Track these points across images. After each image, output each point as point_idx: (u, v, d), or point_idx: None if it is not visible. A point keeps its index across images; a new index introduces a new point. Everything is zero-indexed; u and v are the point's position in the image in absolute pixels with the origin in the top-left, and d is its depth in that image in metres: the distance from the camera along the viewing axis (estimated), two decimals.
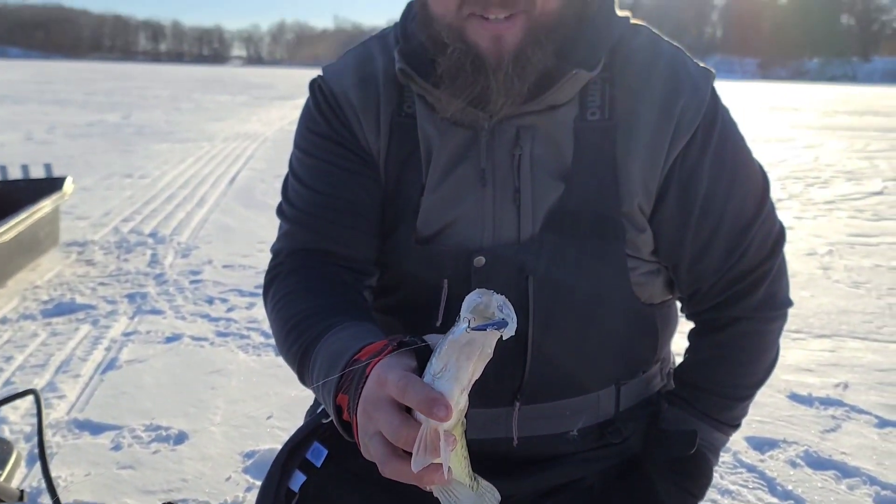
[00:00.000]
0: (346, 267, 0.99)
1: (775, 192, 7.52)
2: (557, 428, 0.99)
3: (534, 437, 0.99)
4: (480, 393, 0.97)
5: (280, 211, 1.05)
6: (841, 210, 6.62)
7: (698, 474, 1.04)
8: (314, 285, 0.95)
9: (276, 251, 1.04)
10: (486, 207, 0.94)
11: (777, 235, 1.00)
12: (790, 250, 4.94)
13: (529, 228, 0.93)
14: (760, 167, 1.00)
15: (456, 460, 0.62)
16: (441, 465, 0.58)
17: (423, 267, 0.96)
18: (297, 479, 1.00)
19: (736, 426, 1.07)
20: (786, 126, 16.22)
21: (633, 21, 0.96)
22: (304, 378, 0.89)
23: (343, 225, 0.98)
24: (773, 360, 1.06)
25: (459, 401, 0.60)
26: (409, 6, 1.00)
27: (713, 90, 0.94)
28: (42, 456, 1.03)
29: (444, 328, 0.96)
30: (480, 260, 0.93)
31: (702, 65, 0.96)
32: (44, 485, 2.00)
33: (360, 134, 0.99)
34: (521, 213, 0.93)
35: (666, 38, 0.98)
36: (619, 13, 0.95)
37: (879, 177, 8.71)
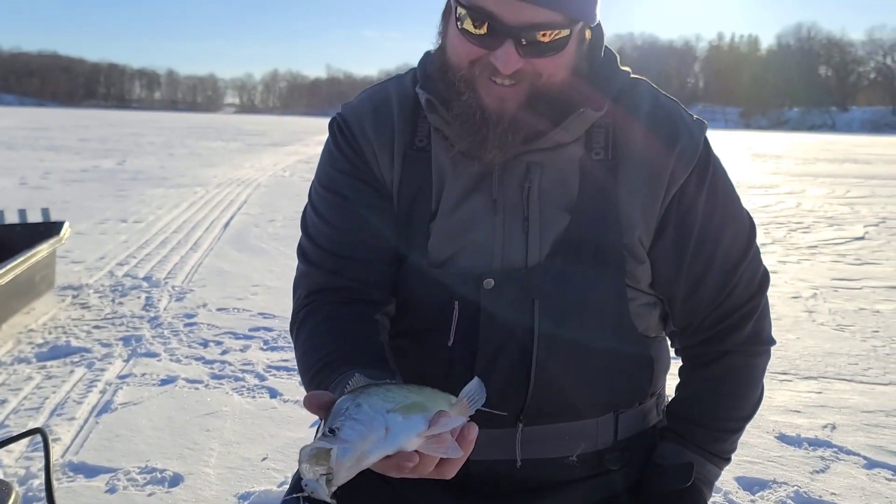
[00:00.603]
0: (364, 300, 1.05)
1: (760, 237, 7.63)
2: (557, 452, 1.04)
3: (535, 460, 1.04)
4: (486, 414, 1.03)
5: (301, 249, 1.11)
6: (824, 254, 6.74)
7: None
8: (333, 330, 1.01)
9: (299, 292, 1.10)
10: (497, 234, 1.01)
11: (762, 276, 1.08)
12: (775, 294, 4.99)
13: (537, 255, 1.00)
14: (748, 212, 1.08)
15: None
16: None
17: (436, 289, 1.03)
18: None
19: (728, 459, 1.12)
20: (768, 173, 16.55)
21: (633, 75, 1.06)
22: None
23: (361, 260, 1.05)
24: (760, 395, 1.13)
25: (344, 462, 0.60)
26: (426, 54, 1.08)
27: (706, 139, 1.03)
28: (49, 495, 1.06)
29: (456, 348, 1.02)
30: (490, 282, 1.00)
31: (696, 116, 1.05)
32: None
33: (375, 166, 1.06)
34: (530, 240, 1.00)
35: (663, 92, 1.07)
36: (622, 68, 1.05)
37: (860, 222, 8.90)
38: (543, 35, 0.89)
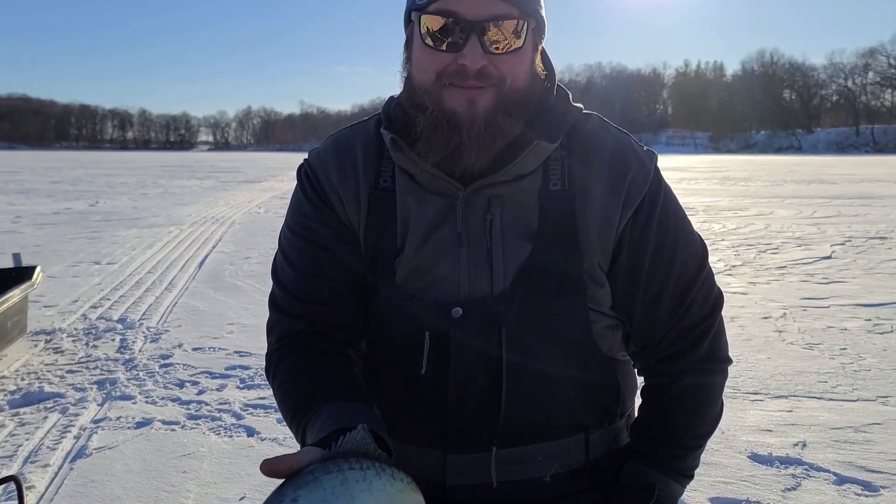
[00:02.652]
0: (335, 341, 1.10)
1: (730, 259, 7.82)
2: (532, 473, 1.08)
3: (510, 482, 1.08)
4: (461, 439, 1.07)
5: (272, 295, 1.15)
6: (792, 275, 6.89)
7: None
8: (306, 369, 1.05)
9: (271, 338, 1.14)
10: (463, 266, 1.06)
11: (717, 296, 1.13)
12: (746, 315, 5.09)
13: (501, 284, 1.05)
14: (700, 236, 1.14)
15: None
16: None
17: (407, 321, 1.07)
18: None
19: (690, 476, 1.16)
20: (738, 196, 16.87)
21: (585, 111, 1.12)
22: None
23: (329, 304, 1.09)
24: (719, 412, 1.17)
25: None
26: (390, 98, 1.14)
27: (656, 168, 1.10)
28: None
29: (428, 376, 1.07)
30: (458, 311, 1.05)
31: (646, 147, 1.12)
32: None
33: (341, 210, 1.10)
34: (494, 270, 1.05)
35: (614, 125, 1.14)
36: (574, 104, 1.11)
37: (828, 242, 9.10)
38: (503, 30, 0.96)
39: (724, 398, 1.18)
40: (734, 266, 7.34)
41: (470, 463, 1.08)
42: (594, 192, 1.05)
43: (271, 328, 1.14)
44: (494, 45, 0.96)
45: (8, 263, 4.66)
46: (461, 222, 1.05)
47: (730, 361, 1.16)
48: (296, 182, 1.16)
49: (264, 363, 1.14)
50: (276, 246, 1.17)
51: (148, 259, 7.84)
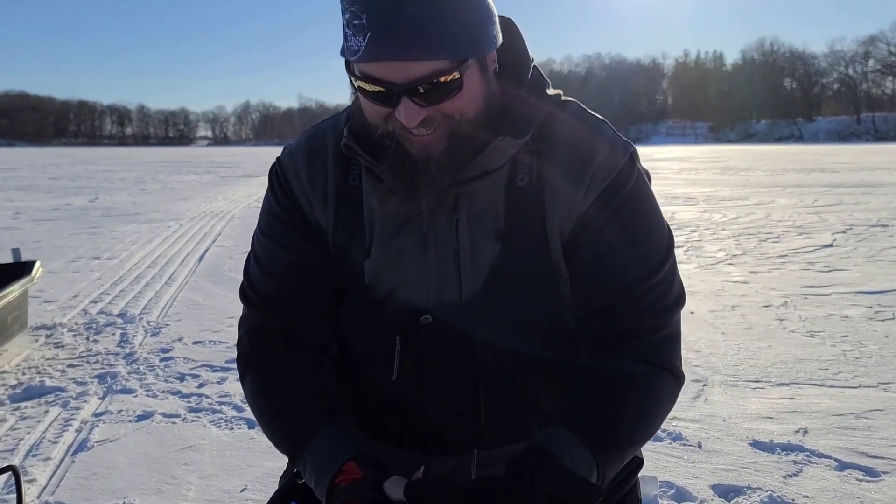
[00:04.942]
0: (308, 345, 1.09)
1: (731, 249, 7.81)
2: None
3: None
4: (441, 442, 1.05)
5: (243, 293, 1.14)
6: (794, 263, 6.88)
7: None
8: (285, 380, 1.05)
9: (241, 333, 1.13)
10: (430, 270, 1.03)
11: (674, 298, 1.03)
12: (747, 304, 5.08)
13: (471, 287, 1.01)
14: (668, 234, 1.06)
15: None
16: None
17: (376, 326, 1.05)
18: None
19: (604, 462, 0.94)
20: (738, 185, 16.85)
21: (564, 98, 1.07)
22: (295, 464, 1.02)
23: (300, 305, 1.08)
24: (645, 424, 1.00)
25: None
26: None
27: (630, 158, 1.03)
28: None
29: (401, 382, 1.05)
30: (427, 318, 1.02)
31: (624, 138, 1.06)
32: None
33: (309, 212, 1.09)
34: (462, 273, 1.01)
35: (591, 112, 1.09)
36: (551, 91, 1.06)
37: (829, 230, 9.09)
38: (436, 86, 0.89)
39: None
40: (735, 255, 7.32)
41: (453, 465, 1.07)
42: (560, 182, 1.01)
43: (242, 323, 1.14)
44: (430, 97, 0.90)
45: (7, 259, 4.65)
46: (427, 224, 1.01)
47: (676, 376, 1.03)
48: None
49: (236, 355, 1.14)
50: None
51: (147, 254, 7.83)
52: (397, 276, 1.04)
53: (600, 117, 1.08)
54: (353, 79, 0.94)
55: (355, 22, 0.87)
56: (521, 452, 0.91)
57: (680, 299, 1.05)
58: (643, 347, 1.01)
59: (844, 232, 8.90)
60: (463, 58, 0.90)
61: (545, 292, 1.03)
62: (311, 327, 1.09)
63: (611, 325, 1.02)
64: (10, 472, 1.22)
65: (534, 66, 1.07)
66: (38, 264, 4.44)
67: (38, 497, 2.51)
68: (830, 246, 7.89)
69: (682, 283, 1.06)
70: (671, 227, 1.09)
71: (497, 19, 0.98)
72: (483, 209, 1.02)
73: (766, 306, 5.11)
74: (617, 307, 1.01)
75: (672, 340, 1.04)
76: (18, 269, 4.32)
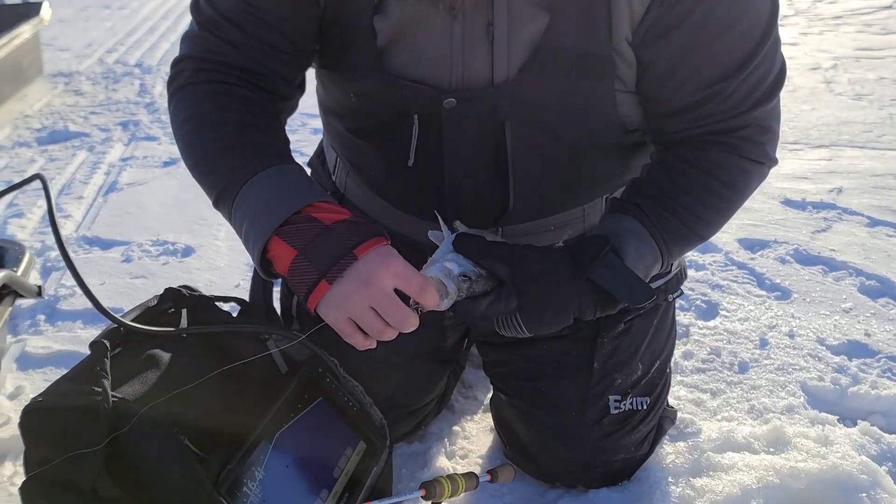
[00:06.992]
0: (260, 87, 0.92)
1: (782, 9, 7.17)
2: (542, 242, 0.96)
3: None
4: (462, 220, 0.97)
5: (196, 7, 0.95)
6: (849, 24, 6.36)
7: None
8: (226, 114, 0.89)
9: (185, 55, 0.96)
10: (456, 44, 0.84)
11: (772, 83, 0.90)
12: (793, 66, 4.75)
13: (504, 69, 0.83)
14: (769, 8, 0.86)
15: None
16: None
17: (389, 97, 0.90)
18: None
19: (665, 254, 0.92)
20: None
21: None
22: (219, 206, 0.90)
23: (264, 42, 0.90)
24: (732, 208, 0.97)
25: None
26: None
27: None
28: (56, 234, 1.06)
29: (419, 168, 0.95)
30: (451, 101, 0.86)
31: None
32: (60, 292, 2.09)
33: None
34: (496, 50, 0.82)
35: None
36: None
37: None
38: None
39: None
40: (786, 16, 6.77)
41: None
42: None
43: (192, 42, 0.95)
44: None
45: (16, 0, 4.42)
46: None
47: (772, 162, 0.95)
48: None
49: (169, 76, 0.98)
50: None
51: (160, 4, 7.42)
52: (415, 49, 0.85)
53: None
54: None
55: None
56: (586, 236, 0.87)
57: (778, 82, 0.91)
58: (734, 141, 0.91)
59: None
60: None
61: (598, 78, 0.85)
62: (271, 71, 0.92)
63: (697, 124, 0.89)
64: (38, 180, 1.20)
65: None
66: (46, 4, 4.20)
67: (76, 231, 2.59)
68: (890, 7, 7.22)
69: (783, 58, 0.90)
70: None
71: None
72: None
73: (814, 69, 4.80)
74: (705, 105, 0.87)
75: (767, 131, 0.93)
76: (26, 10, 4.11)
